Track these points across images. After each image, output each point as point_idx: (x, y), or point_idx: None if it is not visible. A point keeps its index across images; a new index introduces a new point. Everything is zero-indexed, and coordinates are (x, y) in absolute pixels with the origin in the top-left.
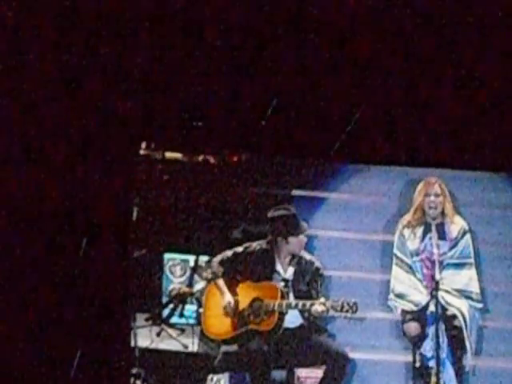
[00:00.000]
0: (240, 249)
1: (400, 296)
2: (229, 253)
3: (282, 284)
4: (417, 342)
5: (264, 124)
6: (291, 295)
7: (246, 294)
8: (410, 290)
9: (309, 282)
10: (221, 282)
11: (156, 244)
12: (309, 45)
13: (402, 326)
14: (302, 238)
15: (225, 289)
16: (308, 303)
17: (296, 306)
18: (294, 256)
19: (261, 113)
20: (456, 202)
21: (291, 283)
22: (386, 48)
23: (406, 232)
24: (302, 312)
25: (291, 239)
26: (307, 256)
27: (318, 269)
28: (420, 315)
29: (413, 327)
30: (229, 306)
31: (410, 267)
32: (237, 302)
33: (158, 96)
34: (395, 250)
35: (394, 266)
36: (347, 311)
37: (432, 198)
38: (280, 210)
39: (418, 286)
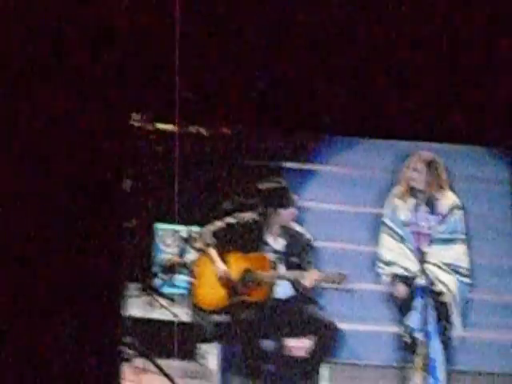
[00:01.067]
0: (231, 220)
1: (389, 263)
2: (220, 223)
3: (273, 255)
4: (404, 309)
5: (256, 96)
6: (282, 266)
7: (236, 265)
8: (400, 257)
9: (299, 253)
10: (213, 252)
11: (147, 214)
12: (299, 18)
13: (390, 289)
14: (293, 211)
15: (217, 258)
16: (298, 274)
17: (287, 277)
18: (284, 228)
19: (253, 85)
20: (449, 176)
21: (282, 255)
22: (371, 18)
23: (398, 202)
24: (292, 283)
25: (282, 211)
26: (297, 228)
27: (308, 240)
28: (409, 280)
29: (401, 289)
30: (223, 274)
31: (401, 237)
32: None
33: (150, 67)
34: (385, 219)
35: (382, 235)
36: (337, 283)
37: (414, 172)
38: (271, 182)
39: (408, 254)
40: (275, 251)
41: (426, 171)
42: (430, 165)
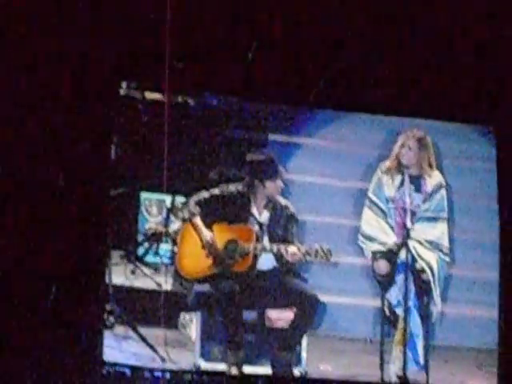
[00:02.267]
0: (217, 190)
1: (369, 238)
2: (205, 193)
3: (257, 227)
4: (385, 284)
5: (244, 68)
6: (266, 239)
7: (221, 236)
8: (380, 233)
9: (284, 226)
10: (198, 221)
11: (133, 183)
12: None
13: (372, 264)
14: (279, 183)
15: (202, 227)
16: (282, 247)
17: (270, 249)
18: (269, 200)
19: (241, 57)
20: (438, 154)
21: (266, 227)
22: None
23: (384, 178)
24: (275, 256)
25: (268, 183)
26: (282, 201)
27: (292, 214)
28: (390, 255)
29: (382, 265)
30: (208, 242)
31: (383, 212)
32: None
33: (139, 36)
34: (370, 194)
35: (365, 209)
36: (321, 257)
37: (406, 150)
38: (258, 154)
39: (388, 230)
40: (260, 223)
41: (417, 149)
42: (422, 143)
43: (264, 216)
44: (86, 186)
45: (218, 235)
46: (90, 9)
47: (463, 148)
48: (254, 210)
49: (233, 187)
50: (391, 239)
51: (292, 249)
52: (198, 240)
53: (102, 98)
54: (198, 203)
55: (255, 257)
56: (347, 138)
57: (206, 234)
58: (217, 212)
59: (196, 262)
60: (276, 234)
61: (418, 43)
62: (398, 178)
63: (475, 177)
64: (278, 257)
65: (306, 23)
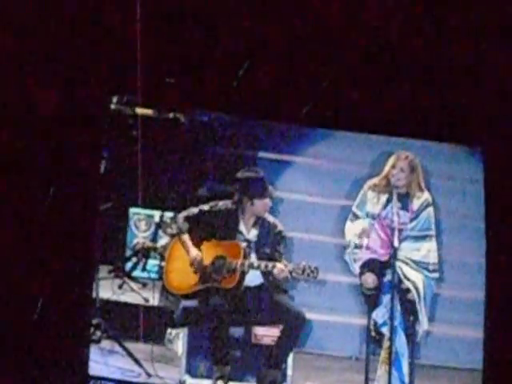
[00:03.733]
0: (206, 207)
1: (356, 246)
2: (194, 210)
3: (245, 244)
4: (372, 300)
5: (235, 85)
6: (253, 256)
7: (209, 252)
8: (364, 242)
9: (271, 244)
10: (186, 237)
11: (122, 198)
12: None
13: (359, 278)
14: (267, 202)
15: (190, 244)
16: (270, 265)
17: (258, 266)
18: (258, 218)
19: (232, 74)
20: (426, 174)
21: (254, 244)
22: (355, 12)
23: (370, 194)
24: (263, 273)
25: (257, 201)
26: (271, 219)
27: (280, 232)
28: (377, 269)
29: (370, 279)
30: (195, 260)
31: (368, 227)
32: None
33: (131, 51)
34: (354, 208)
35: (348, 222)
36: (308, 275)
37: (397, 171)
38: (249, 172)
39: (374, 245)
40: (248, 240)
41: (408, 172)
42: (413, 166)
43: (252, 233)
44: (74, 200)
45: (206, 251)
46: (81, 22)
47: (451, 168)
48: (243, 227)
49: (222, 204)
50: (377, 253)
51: (279, 266)
52: (186, 256)
53: (93, 113)
54: (187, 219)
55: (242, 273)
56: (337, 156)
57: (193, 251)
58: (205, 228)
59: (183, 277)
60: (264, 252)
61: (411, 67)
62: (384, 197)
63: (463, 197)
64: (266, 274)
65: (298, 40)
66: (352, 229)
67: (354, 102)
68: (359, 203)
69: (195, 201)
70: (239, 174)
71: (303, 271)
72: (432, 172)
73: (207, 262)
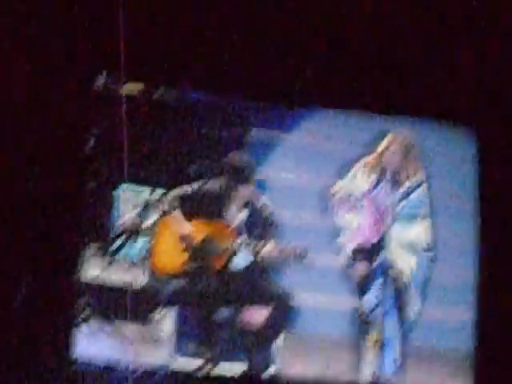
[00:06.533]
0: (196, 185)
1: (346, 226)
2: (185, 188)
3: (235, 225)
4: (363, 285)
5: (224, 64)
6: (243, 237)
7: (198, 231)
8: (356, 229)
9: (261, 226)
10: (177, 215)
11: (110, 176)
12: None
13: (350, 266)
14: (252, 188)
15: (181, 221)
16: (259, 245)
17: (247, 247)
18: (249, 199)
19: (220, 53)
20: (420, 153)
21: (243, 225)
22: None
23: (360, 172)
24: (252, 254)
25: (240, 187)
26: (262, 200)
27: (271, 214)
28: (368, 257)
29: (361, 267)
30: (186, 237)
31: (359, 208)
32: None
33: (118, 29)
34: (344, 187)
35: (340, 204)
36: (297, 256)
37: (391, 152)
38: (235, 157)
39: (366, 226)
40: (237, 221)
41: (403, 154)
42: (409, 149)
43: (242, 214)
44: (61, 178)
45: (196, 230)
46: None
47: (444, 147)
48: (233, 208)
49: (213, 184)
50: (368, 237)
51: (269, 247)
52: (176, 234)
53: (79, 91)
54: (178, 197)
55: (231, 254)
56: (329, 135)
57: (185, 227)
58: (196, 207)
59: (172, 256)
60: (253, 233)
61: (397, 43)
62: (375, 175)
63: (456, 177)
64: (255, 255)
65: (287, 16)
66: (342, 211)
67: (346, 80)
68: (350, 184)
69: (184, 179)
70: (228, 157)
71: (292, 253)
72: (426, 151)
73: (197, 241)
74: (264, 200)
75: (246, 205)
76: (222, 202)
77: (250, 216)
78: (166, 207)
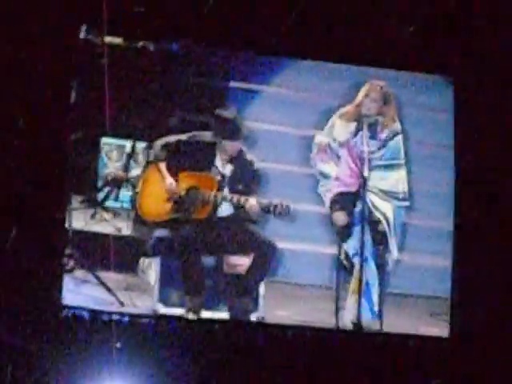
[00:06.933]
0: (184, 136)
1: (325, 176)
2: (172, 138)
3: (220, 178)
4: (343, 234)
5: (205, 13)
6: (226, 189)
7: (183, 182)
8: (333, 171)
9: (246, 180)
10: (162, 165)
11: (93, 128)
12: None
13: (330, 215)
14: (237, 144)
15: (166, 172)
16: (242, 199)
17: (231, 199)
18: (235, 154)
19: (202, 3)
20: (397, 103)
21: (228, 179)
22: None
23: (338, 122)
24: (235, 206)
25: (226, 142)
26: (249, 156)
27: (257, 170)
28: (347, 206)
29: (341, 216)
30: (170, 188)
31: (338, 157)
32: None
33: None
34: (323, 137)
35: (318, 153)
36: (280, 213)
37: (369, 100)
38: (223, 112)
39: (345, 175)
40: (222, 175)
41: (381, 102)
42: (387, 97)
43: (227, 168)
44: (45, 130)
45: (181, 181)
46: None
47: (422, 98)
48: (218, 162)
49: (200, 136)
50: (348, 184)
51: (251, 201)
52: (161, 183)
53: (62, 42)
54: (165, 147)
55: (215, 205)
56: (308, 86)
57: (169, 179)
58: (182, 158)
59: (157, 204)
60: (237, 187)
61: None
62: (353, 125)
63: (433, 126)
64: (237, 208)
65: None
66: (321, 161)
67: (325, 31)
68: (328, 134)
69: (166, 131)
70: (216, 112)
71: (275, 208)
72: (403, 101)
73: (181, 191)
74: (251, 157)
75: (232, 160)
76: (209, 156)
77: (235, 171)
78: (152, 157)
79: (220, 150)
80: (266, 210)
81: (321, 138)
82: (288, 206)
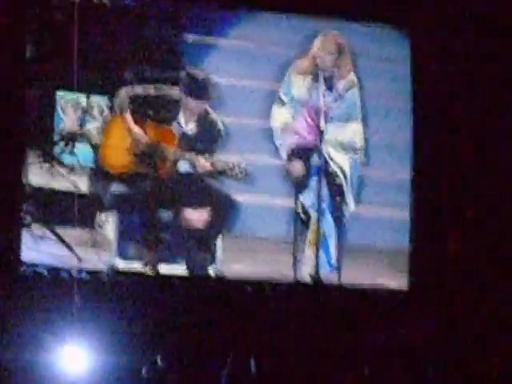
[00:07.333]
0: (151, 90)
1: (283, 129)
2: (138, 90)
3: (181, 135)
4: (300, 186)
5: None
6: (186, 147)
7: (147, 134)
8: (292, 131)
9: (207, 140)
10: (128, 116)
11: (48, 83)
12: None
13: (287, 166)
14: (202, 105)
15: (131, 122)
16: (197, 158)
17: (189, 158)
18: (200, 113)
19: None
20: (352, 54)
21: (189, 136)
22: None
23: (295, 77)
24: (190, 164)
25: (190, 101)
26: (214, 116)
27: (219, 130)
28: (304, 157)
29: (298, 167)
30: (135, 138)
31: (294, 111)
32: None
33: None
34: (280, 93)
35: (274, 107)
36: (236, 175)
37: (325, 53)
38: (191, 71)
39: (301, 129)
40: (184, 132)
41: (337, 54)
42: (342, 49)
43: (190, 126)
44: (0, 84)
45: (145, 133)
46: None
47: (378, 50)
48: (181, 119)
49: (167, 90)
50: (304, 138)
51: (204, 162)
52: (125, 134)
53: None
54: (130, 97)
55: (175, 162)
56: (263, 38)
57: (137, 128)
58: (146, 110)
59: (119, 155)
60: (197, 146)
61: None
62: (309, 79)
63: (389, 78)
64: (194, 168)
65: None
66: (278, 114)
67: None
68: (284, 87)
69: (121, 84)
70: (186, 69)
71: (231, 170)
72: (359, 53)
73: (145, 143)
74: (216, 117)
75: (196, 119)
76: (173, 111)
77: (197, 130)
78: (116, 107)
79: (184, 107)
80: (222, 172)
81: (278, 92)
82: (245, 169)
